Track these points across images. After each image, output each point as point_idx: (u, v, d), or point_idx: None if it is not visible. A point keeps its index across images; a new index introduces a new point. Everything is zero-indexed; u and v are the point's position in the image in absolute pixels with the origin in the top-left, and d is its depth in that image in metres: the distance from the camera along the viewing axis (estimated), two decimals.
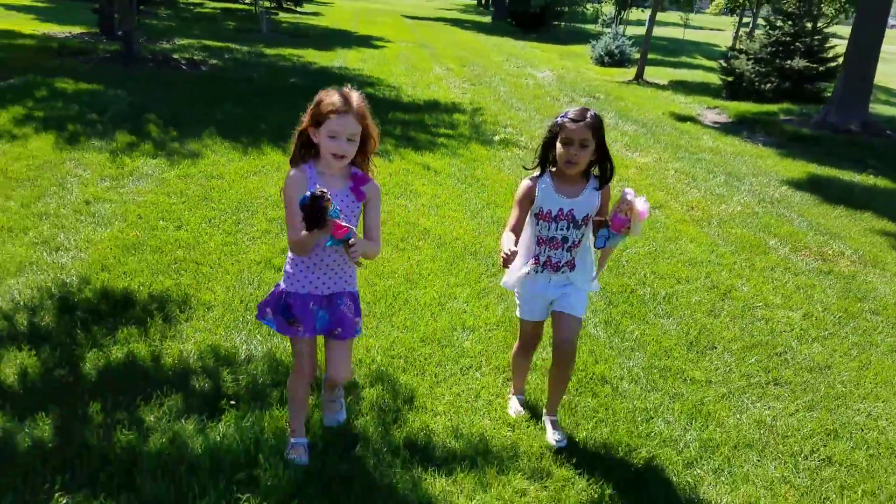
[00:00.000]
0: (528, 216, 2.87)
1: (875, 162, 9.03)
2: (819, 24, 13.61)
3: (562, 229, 2.84)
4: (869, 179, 8.23)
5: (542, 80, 14.00)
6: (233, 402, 2.94)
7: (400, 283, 4.23)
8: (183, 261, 4.21)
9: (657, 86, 14.69)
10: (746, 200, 6.77)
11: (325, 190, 2.22)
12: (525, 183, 2.86)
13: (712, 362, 3.77)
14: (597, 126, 2.69)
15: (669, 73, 17.29)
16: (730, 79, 13.73)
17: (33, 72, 9.10)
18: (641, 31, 15.36)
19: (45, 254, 4.11)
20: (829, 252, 5.58)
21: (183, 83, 9.65)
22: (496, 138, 8.39)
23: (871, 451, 3.15)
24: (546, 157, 2.82)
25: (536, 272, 2.91)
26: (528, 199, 2.83)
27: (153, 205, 5.02)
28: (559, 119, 2.73)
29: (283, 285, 2.60)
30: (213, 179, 5.73)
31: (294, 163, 2.51)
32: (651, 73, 16.05)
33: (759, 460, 3.02)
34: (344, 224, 2.28)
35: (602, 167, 2.80)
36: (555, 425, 3.02)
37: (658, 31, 34.14)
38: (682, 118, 11.08)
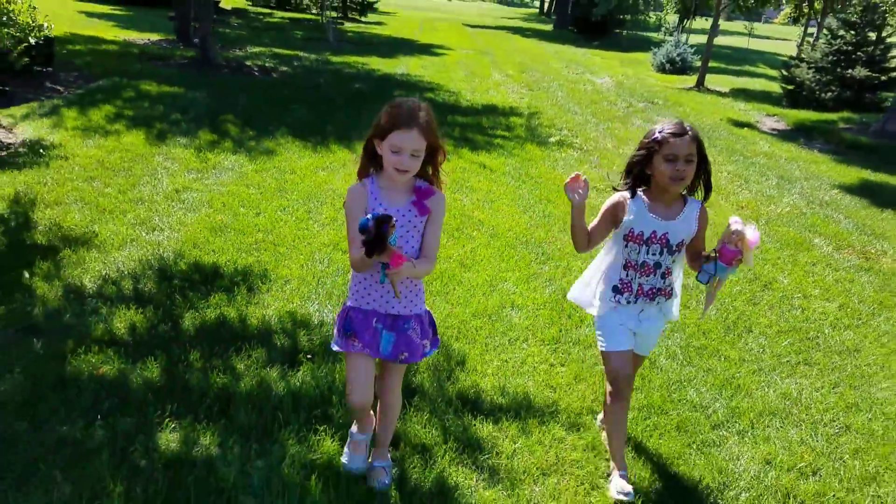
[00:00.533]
0: (615, 238, 2.72)
1: None
2: (882, 34, 13.50)
3: (654, 254, 2.66)
4: None
5: (601, 85, 14.27)
6: (309, 357, 3.39)
7: (454, 266, 4.64)
8: (262, 242, 4.72)
9: (718, 93, 14.78)
10: (795, 202, 6.96)
11: (390, 214, 2.17)
12: (616, 196, 2.69)
13: (747, 343, 4.06)
14: (699, 139, 2.56)
15: (731, 80, 17.32)
16: (790, 87, 13.75)
17: (118, 75, 9.89)
18: (705, 39, 15.49)
19: (143, 233, 4.67)
20: (872, 251, 5.76)
21: (256, 88, 10.32)
22: (551, 140, 8.75)
23: (888, 422, 3.41)
24: (638, 176, 2.65)
25: (628, 302, 2.72)
26: (613, 213, 2.67)
27: (234, 194, 5.57)
28: (657, 135, 2.56)
29: (348, 302, 2.56)
30: (287, 174, 6.26)
31: (360, 174, 2.46)
32: (712, 80, 16.13)
33: (781, 426, 3.31)
34: (403, 255, 2.24)
35: (705, 183, 2.64)
36: (625, 479, 2.73)
37: (723, 41, 33.84)
38: (740, 124, 11.22)
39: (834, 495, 2.87)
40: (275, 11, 27.25)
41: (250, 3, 29.00)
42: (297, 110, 8.86)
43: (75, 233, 4.53)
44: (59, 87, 8.76)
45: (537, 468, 2.86)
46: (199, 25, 11.91)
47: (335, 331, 2.58)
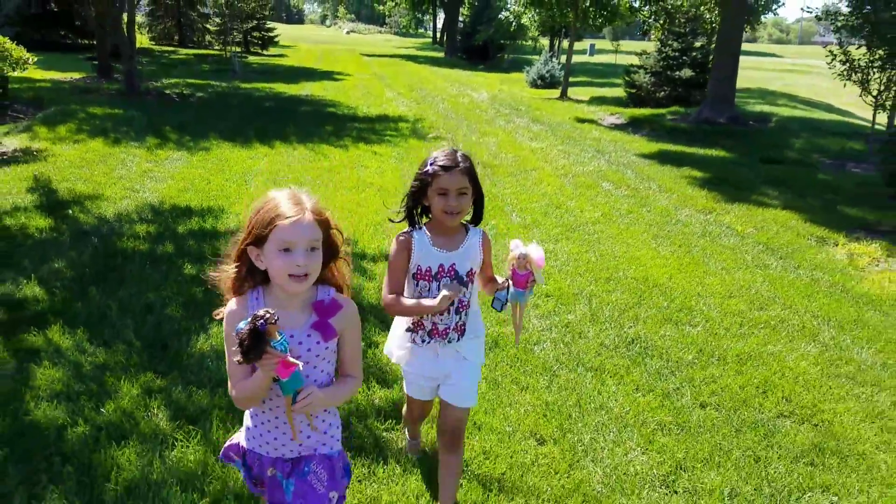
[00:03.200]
0: (407, 283, 2.62)
1: (728, 142, 12.17)
2: (703, 42, 16.99)
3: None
4: (710, 152, 11.35)
5: (478, 99, 17.16)
6: None
7: (351, 205, 7.14)
8: (216, 195, 7.09)
9: (578, 101, 17.93)
10: (600, 164, 9.84)
11: (271, 311, 1.75)
12: (399, 239, 2.58)
13: (536, 235, 6.70)
14: (471, 170, 2.51)
15: (593, 90, 20.62)
16: (632, 90, 17.02)
17: (62, 104, 11.98)
18: (583, 58, 18.72)
19: (132, 193, 6.97)
20: (640, 187, 8.63)
21: (181, 108, 12.59)
22: (429, 136, 11.43)
23: (618, 262, 6.11)
24: (414, 208, 2.59)
25: (424, 342, 2.66)
26: (404, 256, 2.57)
27: (187, 174, 7.91)
28: (429, 167, 2.50)
29: (239, 437, 2.19)
30: (223, 161, 8.63)
31: (235, 289, 2.00)
32: (577, 92, 19.36)
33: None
34: (292, 360, 1.81)
35: (476, 206, 2.60)
36: None
37: (598, 58, 37.97)
38: (583, 120, 14.25)
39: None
40: (178, 49, 29.24)
41: (153, 43, 30.87)
42: (220, 123, 11.21)
43: (87, 193, 6.80)
44: (19, 115, 10.83)
45: None
46: (123, 59, 14.04)
47: (231, 453, 2.21)
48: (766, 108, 16.61)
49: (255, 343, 1.75)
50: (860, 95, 11.55)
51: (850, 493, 3.15)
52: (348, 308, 2.04)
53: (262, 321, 1.74)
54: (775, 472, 3.25)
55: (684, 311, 4.98)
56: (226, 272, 1.99)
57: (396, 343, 2.78)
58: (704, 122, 14.00)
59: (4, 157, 8.15)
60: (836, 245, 6.79)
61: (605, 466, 3.22)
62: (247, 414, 2.13)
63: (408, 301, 2.56)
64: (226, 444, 2.25)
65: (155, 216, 6.28)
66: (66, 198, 6.63)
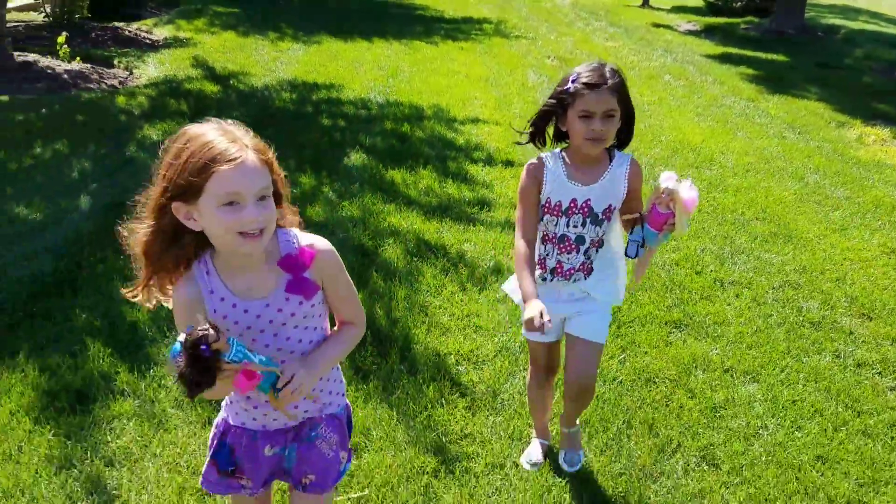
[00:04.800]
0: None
1: (791, 49, 13.24)
2: None
3: (576, 225, 2.35)
4: (770, 56, 12.50)
5: (560, 3, 18.37)
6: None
7: (441, 89, 8.87)
8: (335, 77, 8.94)
9: (658, 9, 18.88)
10: (666, 61, 11.22)
11: (207, 326, 1.43)
12: (529, 166, 2.36)
13: None
14: (620, 87, 2.22)
15: (677, 0, 21.40)
16: (712, 0, 17.90)
17: (189, 3, 13.95)
18: None
19: (269, 72, 8.89)
20: (697, 80, 10.05)
21: (286, 9, 14.43)
22: (512, 34, 12.95)
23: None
24: (546, 129, 2.35)
25: (543, 280, 2.45)
26: (535, 188, 2.35)
27: (307, 59, 9.77)
28: (570, 85, 2.21)
29: (223, 411, 1.88)
30: (334, 52, 10.46)
31: (153, 261, 1.61)
32: (659, 1, 20.23)
33: None
34: (256, 365, 1.51)
35: (626, 127, 2.30)
36: (571, 441, 2.78)
37: None
38: (659, 25, 15.41)
39: None
40: None
41: None
42: (323, 21, 12.99)
43: (237, 71, 8.76)
44: (155, 11, 12.88)
45: None
46: None
47: (207, 461, 1.86)
48: (840, 22, 17.24)
49: (203, 373, 1.42)
50: None
51: (788, 255, 4.83)
52: (323, 253, 1.72)
53: (204, 347, 1.40)
54: (740, 244, 4.95)
55: (706, 161, 6.59)
56: (136, 233, 1.59)
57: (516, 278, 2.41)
58: (773, 31, 14.94)
59: (160, 43, 10.18)
60: (852, 128, 8.17)
61: None
62: None
63: (522, 271, 2.29)
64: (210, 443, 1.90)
65: (292, 88, 8.18)
66: (223, 73, 8.61)
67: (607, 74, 2.23)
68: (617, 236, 2.50)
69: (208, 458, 1.88)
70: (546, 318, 2.10)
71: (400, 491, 2.69)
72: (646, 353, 3.65)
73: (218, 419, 1.90)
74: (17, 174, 5.28)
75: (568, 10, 17.04)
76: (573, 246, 2.41)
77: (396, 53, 10.65)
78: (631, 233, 2.34)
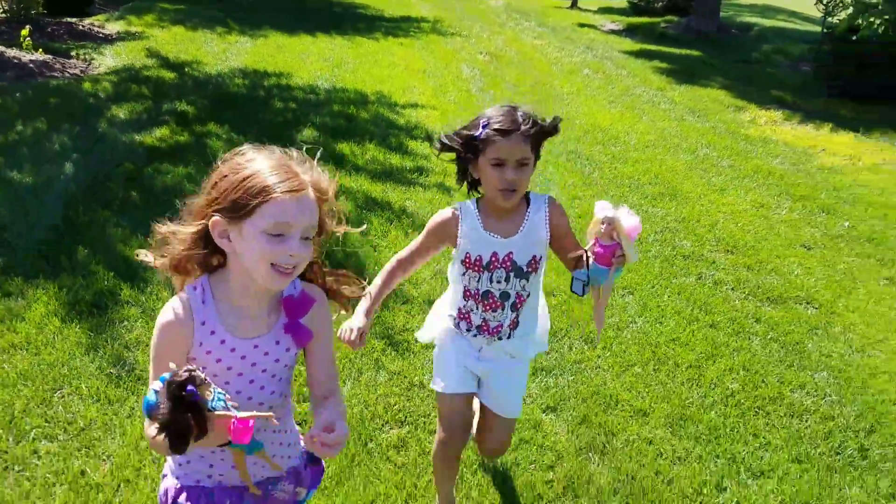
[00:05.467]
0: (453, 263, 2.32)
1: (704, 45, 14.54)
2: None
3: (499, 280, 2.22)
4: (683, 51, 13.77)
5: (494, 5, 19.46)
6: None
7: (383, 78, 9.76)
8: (283, 65, 9.74)
9: (586, 10, 20.15)
10: (586, 57, 12.35)
11: (191, 369, 1.32)
12: (444, 214, 2.25)
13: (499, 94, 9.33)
14: (533, 132, 2.10)
15: (602, 1, 22.75)
16: (635, 0, 19.25)
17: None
18: None
19: (221, 61, 9.64)
20: (613, 73, 11.18)
21: (231, 6, 15.11)
22: (447, 32, 13.93)
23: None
24: (466, 175, 2.21)
25: (468, 331, 2.32)
26: (439, 235, 2.26)
27: (255, 51, 10.54)
28: (480, 131, 2.09)
29: (170, 477, 1.75)
30: (280, 45, 11.24)
31: (178, 266, 1.61)
32: (587, 2, 21.52)
33: None
34: (241, 414, 1.36)
35: None
36: None
37: None
38: (585, 25, 16.62)
39: None
40: None
41: None
42: (267, 17, 13.74)
43: (191, 60, 9.49)
44: (104, 8, 13.43)
45: None
46: None
47: None
48: (756, 20, 18.79)
49: (192, 420, 1.29)
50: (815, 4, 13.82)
51: (671, 209, 5.88)
52: (322, 302, 1.71)
53: (191, 388, 1.29)
54: (632, 201, 5.98)
55: (612, 140, 7.65)
56: (181, 232, 1.56)
57: (437, 320, 2.46)
58: (691, 29, 16.29)
59: (113, 36, 10.80)
60: (747, 112, 9.38)
61: None
62: None
63: (377, 283, 2.26)
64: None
65: (244, 75, 8.97)
66: (177, 62, 9.33)
67: (519, 119, 2.10)
68: (540, 292, 2.39)
69: None
70: (355, 335, 2.10)
71: (356, 361, 3.59)
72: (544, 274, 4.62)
73: (163, 489, 1.75)
74: (5, 147, 5.96)
75: (501, 11, 18.14)
76: (498, 303, 2.26)
77: (340, 47, 11.48)
78: (575, 269, 2.17)
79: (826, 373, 3.80)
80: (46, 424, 2.99)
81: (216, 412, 1.34)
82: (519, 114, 2.14)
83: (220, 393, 1.38)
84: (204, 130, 6.69)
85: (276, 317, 1.65)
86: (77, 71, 8.57)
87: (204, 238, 1.57)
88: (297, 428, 1.90)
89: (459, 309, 2.36)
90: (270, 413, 1.46)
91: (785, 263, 5.03)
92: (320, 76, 9.21)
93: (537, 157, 2.20)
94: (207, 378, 1.36)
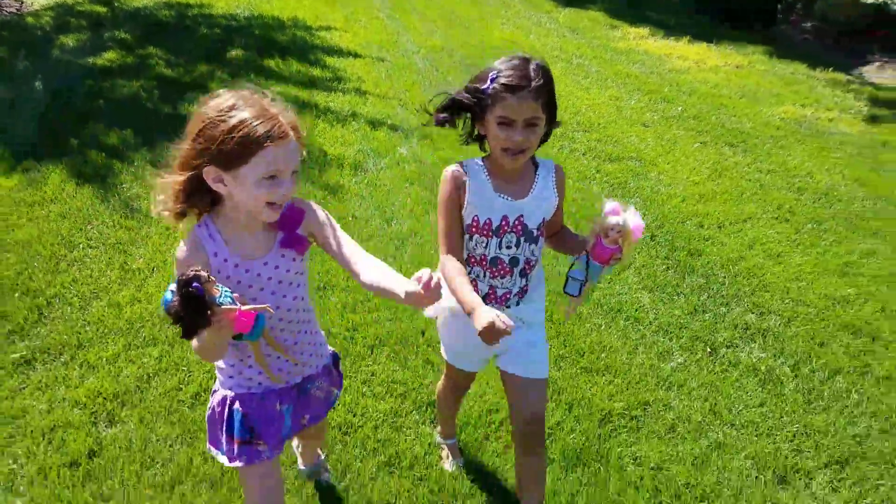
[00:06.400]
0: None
1: None
2: None
3: (509, 246, 2.17)
4: None
5: None
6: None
7: (296, 7, 10.92)
8: None
9: None
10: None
11: (198, 269, 1.54)
12: (451, 173, 2.16)
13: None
14: (546, 87, 2.02)
15: None
16: None
17: None
18: None
19: None
20: (510, 1, 12.62)
21: None
22: None
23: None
24: (456, 119, 2.16)
25: None
26: (455, 201, 2.16)
27: None
28: (488, 84, 2.02)
29: (222, 390, 2.02)
30: None
31: (179, 210, 1.82)
32: None
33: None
34: (248, 307, 1.62)
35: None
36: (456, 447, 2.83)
37: None
38: None
39: None
40: None
41: None
42: None
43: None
44: None
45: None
46: None
47: (219, 439, 2.01)
48: None
49: (197, 313, 1.52)
50: None
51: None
52: (311, 208, 1.91)
53: (196, 285, 1.51)
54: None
55: (502, 53, 9.10)
56: (171, 181, 1.77)
57: (438, 307, 2.31)
58: None
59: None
60: (620, 29, 11.02)
61: None
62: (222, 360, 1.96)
63: (460, 285, 2.05)
64: (209, 437, 2.05)
65: (168, 7, 10.00)
66: None
67: (531, 74, 2.00)
68: (541, 249, 2.27)
69: (222, 437, 1.98)
70: (508, 322, 1.86)
71: None
72: (441, 149, 6.10)
73: (215, 400, 2.02)
74: None
75: None
76: (507, 269, 2.19)
77: None
78: (572, 268, 2.18)
79: (638, 198, 5.45)
80: (88, 241, 4.33)
81: (223, 307, 1.55)
82: (531, 67, 2.02)
83: (227, 291, 1.59)
84: (146, 53, 7.84)
85: (275, 234, 1.89)
86: (13, 10, 9.46)
87: (195, 184, 1.77)
88: (322, 332, 2.18)
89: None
90: (267, 305, 1.68)
91: (626, 136, 6.66)
92: (238, 6, 10.32)
93: (551, 117, 2.08)
94: (213, 277, 1.56)
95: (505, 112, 2.00)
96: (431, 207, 4.98)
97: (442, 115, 2.17)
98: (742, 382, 3.50)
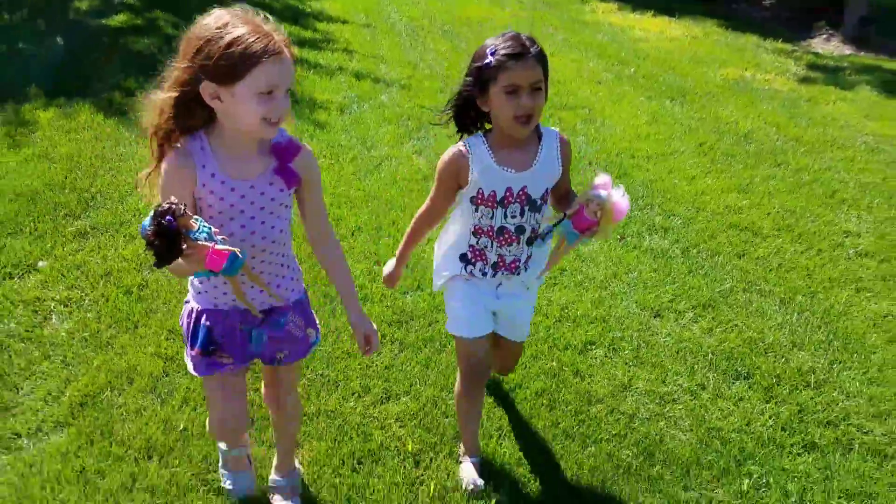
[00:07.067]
0: (461, 202, 2.40)
1: None
2: None
3: (514, 215, 2.32)
4: None
5: None
6: None
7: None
8: None
9: None
10: None
11: (174, 202, 1.61)
12: (452, 156, 2.31)
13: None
14: (543, 56, 2.20)
15: None
16: None
17: None
18: None
19: None
20: None
21: None
22: None
23: None
24: (468, 114, 2.31)
25: (484, 274, 2.43)
26: (455, 178, 2.32)
27: None
28: (490, 58, 2.15)
29: (192, 302, 2.14)
30: None
31: (176, 131, 1.88)
32: None
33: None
34: (220, 246, 1.66)
35: None
36: (478, 465, 2.70)
37: None
38: None
39: None
40: None
41: None
42: None
43: None
44: None
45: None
46: None
47: (187, 347, 2.16)
48: None
49: (168, 245, 1.60)
50: None
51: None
52: (307, 151, 2.01)
53: (169, 218, 1.58)
54: None
55: (476, 25, 10.12)
56: (156, 101, 1.86)
57: (444, 268, 2.53)
58: None
59: None
60: (590, 4, 12.04)
61: None
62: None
63: (404, 239, 2.54)
64: (183, 325, 2.18)
65: None
66: None
67: (527, 43, 2.15)
68: (545, 215, 2.43)
69: (187, 346, 2.14)
70: (386, 280, 2.66)
71: None
72: (418, 97, 7.11)
73: (186, 311, 2.15)
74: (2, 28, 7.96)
75: None
76: (514, 237, 2.35)
77: None
78: (551, 223, 2.34)
79: (583, 137, 6.46)
80: (119, 156, 5.33)
81: (198, 242, 1.61)
82: (524, 37, 2.18)
83: (205, 226, 1.65)
84: (153, 16, 8.81)
85: (268, 161, 1.95)
86: None
87: (189, 103, 1.82)
88: (300, 267, 2.26)
89: (472, 247, 2.42)
90: (239, 249, 1.67)
91: (580, 91, 7.69)
92: None
93: (547, 85, 2.21)
94: (188, 211, 1.63)
95: (511, 80, 2.13)
96: (406, 140, 5.99)
97: (457, 121, 2.38)
98: (640, 258, 4.53)
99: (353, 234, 4.50)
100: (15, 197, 4.54)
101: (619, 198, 2.15)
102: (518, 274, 2.45)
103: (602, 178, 2.20)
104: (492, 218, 2.33)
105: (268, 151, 1.97)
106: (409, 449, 2.86)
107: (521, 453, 2.92)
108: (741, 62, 9.20)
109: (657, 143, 6.36)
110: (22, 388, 3.06)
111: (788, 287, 4.31)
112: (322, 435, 2.89)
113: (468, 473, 2.66)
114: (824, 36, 10.85)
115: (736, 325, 3.93)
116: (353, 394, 3.14)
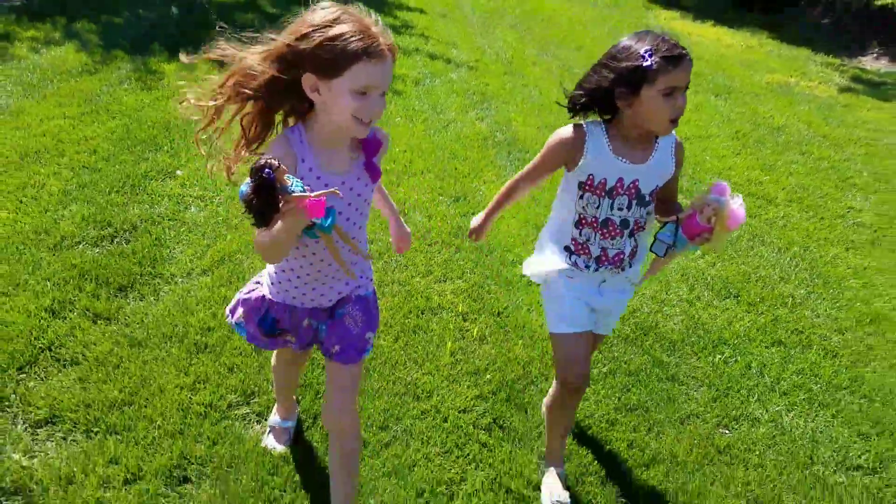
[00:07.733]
0: (566, 184, 2.43)
1: None
2: None
3: (620, 208, 2.34)
4: None
5: None
6: None
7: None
8: None
9: None
10: None
11: (271, 157, 1.68)
12: (571, 130, 2.35)
13: None
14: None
15: None
16: None
17: None
18: None
19: None
20: None
21: None
22: None
23: None
24: (592, 105, 2.33)
25: (587, 267, 2.43)
26: (560, 153, 2.37)
27: None
28: (648, 61, 2.16)
29: (263, 290, 2.28)
30: None
31: (241, 100, 2.01)
32: None
33: None
34: (317, 194, 1.73)
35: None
36: (562, 477, 2.67)
37: None
38: None
39: None
40: None
41: None
42: None
43: None
44: None
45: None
46: None
47: (241, 309, 2.30)
48: None
49: (268, 198, 1.66)
50: None
51: (571, 47, 9.41)
52: (387, 140, 2.11)
53: (268, 171, 1.64)
54: (553, 36, 9.48)
55: (548, 19, 11.08)
56: (255, 61, 1.92)
57: (546, 262, 2.52)
58: None
59: None
60: (654, 10, 12.89)
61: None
62: (270, 266, 2.18)
63: (499, 194, 2.58)
64: (238, 299, 2.31)
65: None
66: None
67: (682, 46, 2.21)
68: (650, 213, 2.42)
69: (254, 325, 2.27)
70: (473, 234, 2.68)
71: None
72: (484, 77, 8.10)
73: (256, 294, 2.28)
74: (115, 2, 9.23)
75: None
76: (618, 230, 2.36)
77: None
78: (661, 230, 2.28)
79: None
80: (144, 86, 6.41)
81: (294, 194, 1.69)
82: (671, 39, 2.22)
83: (298, 181, 1.73)
84: None
85: (357, 156, 2.04)
86: None
87: (285, 85, 1.89)
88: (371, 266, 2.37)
89: (574, 240, 2.41)
90: (336, 189, 1.75)
91: None
92: None
93: None
94: (283, 166, 1.67)
95: (669, 83, 2.16)
96: (470, 109, 6.99)
97: (584, 101, 2.33)
98: None
99: (422, 173, 5.49)
100: (152, 124, 5.68)
101: (736, 206, 2.13)
102: (623, 269, 2.46)
103: (721, 185, 2.18)
104: (598, 208, 2.35)
105: (356, 146, 2.05)
106: (460, 309, 3.86)
107: None
108: (788, 70, 9.98)
109: (697, 127, 7.24)
110: (175, 249, 4.14)
111: (787, 240, 5.17)
112: (394, 294, 3.91)
113: (552, 487, 2.64)
114: (874, 55, 11.53)
115: (735, 262, 4.81)
116: (419, 272, 4.15)
